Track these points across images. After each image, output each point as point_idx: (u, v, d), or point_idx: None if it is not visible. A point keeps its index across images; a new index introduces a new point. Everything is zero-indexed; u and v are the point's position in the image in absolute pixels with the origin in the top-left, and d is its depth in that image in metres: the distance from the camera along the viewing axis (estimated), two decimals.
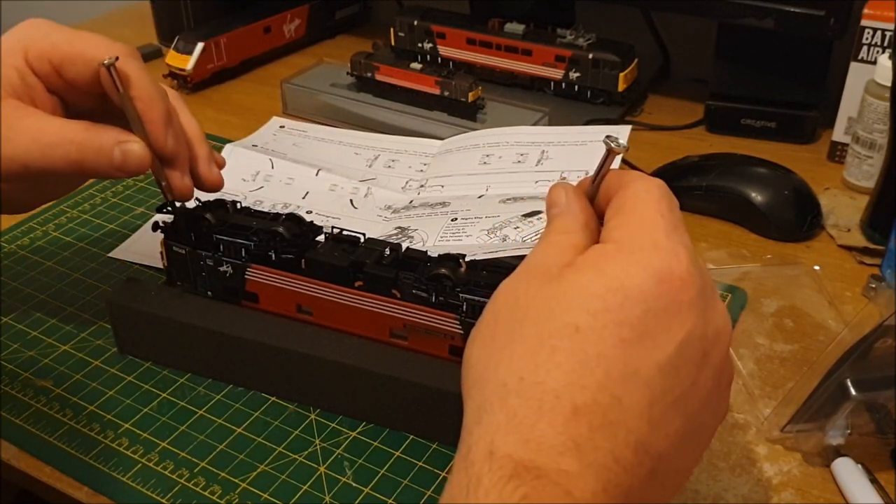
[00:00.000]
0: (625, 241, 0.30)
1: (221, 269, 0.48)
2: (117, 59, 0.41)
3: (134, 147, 0.42)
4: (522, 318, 0.30)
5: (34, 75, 0.43)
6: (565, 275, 0.30)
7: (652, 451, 0.28)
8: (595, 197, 0.35)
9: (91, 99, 0.44)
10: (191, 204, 0.49)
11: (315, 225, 0.48)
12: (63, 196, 0.53)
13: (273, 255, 0.46)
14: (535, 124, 0.71)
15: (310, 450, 0.44)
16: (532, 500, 0.26)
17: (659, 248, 0.30)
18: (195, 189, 0.47)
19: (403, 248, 0.46)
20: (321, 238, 0.48)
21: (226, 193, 0.50)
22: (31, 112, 0.42)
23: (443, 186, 0.63)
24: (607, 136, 0.34)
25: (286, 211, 0.50)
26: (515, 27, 0.78)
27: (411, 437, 0.45)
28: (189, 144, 0.46)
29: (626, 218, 0.31)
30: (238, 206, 0.50)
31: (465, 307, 0.43)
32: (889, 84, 0.58)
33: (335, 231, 0.48)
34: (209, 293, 0.49)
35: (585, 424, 0.27)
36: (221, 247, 0.48)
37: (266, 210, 0.50)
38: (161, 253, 0.50)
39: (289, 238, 0.46)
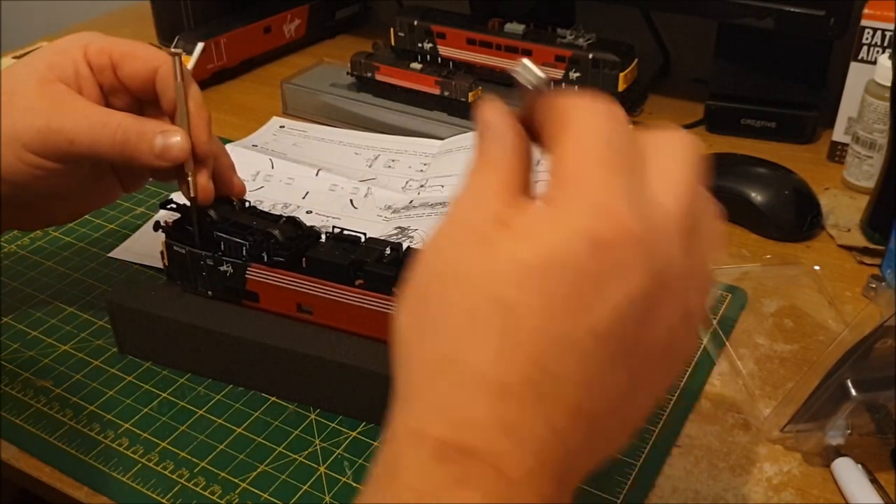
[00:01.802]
0: (559, 200, 0.27)
1: (221, 268, 0.48)
2: (182, 52, 0.45)
3: (177, 137, 0.45)
4: (447, 288, 0.28)
5: (89, 69, 0.45)
6: (494, 240, 0.27)
7: (589, 413, 0.27)
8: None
9: (132, 103, 0.47)
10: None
11: (314, 229, 0.48)
12: (75, 217, 0.54)
13: (265, 257, 0.46)
14: None
15: (310, 450, 0.44)
16: (459, 481, 0.25)
17: (595, 206, 0.26)
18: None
19: (404, 248, 0.46)
20: (322, 239, 0.48)
21: None
22: (81, 97, 0.45)
23: (443, 186, 0.63)
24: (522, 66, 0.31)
25: (286, 211, 0.50)
26: (515, 27, 0.78)
27: None
28: (219, 153, 0.48)
29: (561, 166, 0.28)
30: (247, 204, 0.50)
31: None
32: (889, 84, 0.58)
33: (336, 231, 0.48)
34: (209, 293, 0.49)
35: (515, 402, 0.26)
36: (222, 245, 0.48)
37: (266, 210, 0.50)
38: (161, 252, 0.50)
39: (282, 241, 0.46)
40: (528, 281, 0.26)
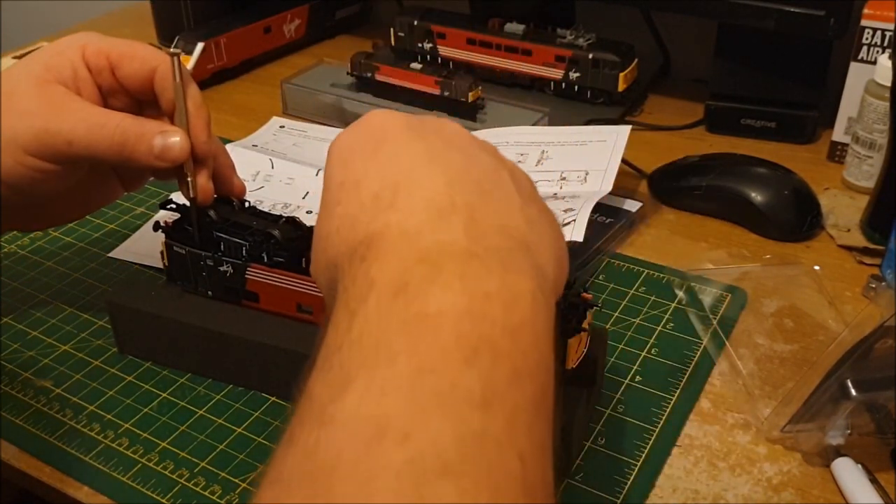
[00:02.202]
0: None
1: (221, 269, 0.48)
2: (181, 52, 0.45)
3: (176, 137, 0.45)
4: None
5: (87, 70, 0.45)
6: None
7: (450, 171, 0.31)
8: None
9: (131, 104, 0.47)
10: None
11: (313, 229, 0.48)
12: (76, 217, 0.54)
13: (265, 257, 0.46)
14: (535, 124, 0.71)
15: None
16: (371, 258, 0.28)
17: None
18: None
19: None
20: None
21: None
22: (79, 98, 0.45)
23: None
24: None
25: (287, 211, 0.50)
26: (515, 27, 0.78)
27: None
28: (218, 152, 0.48)
29: None
30: (247, 204, 0.50)
31: None
32: (889, 84, 0.58)
33: None
34: (209, 293, 0.49)
35: (388, 194, 0.30)
36: (222, 245, 0.48)
37: (267, 210, 0.50)
38: (161, 253, 0.50)
39: (282, 241, 0.46)
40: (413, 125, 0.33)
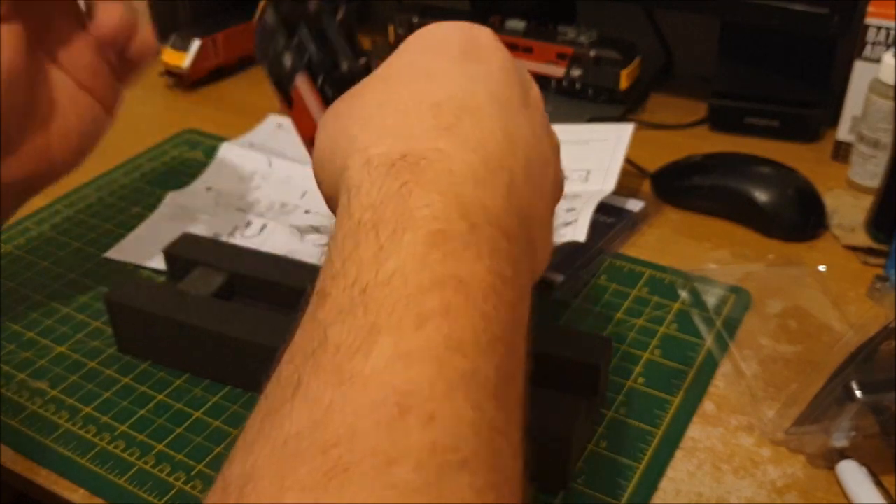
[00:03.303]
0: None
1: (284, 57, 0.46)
2: None
3: None
4: (366, 84, 0.33)
5: None
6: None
7: (514, 137, 0.31)
8: None
9: None
10: None
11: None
12: (73, 151, 0.49)
13: (318, 79, 0.44)
14: None
15: None
16: (413, 183, 0.27)
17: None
18: None
19: None
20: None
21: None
22: None
23: None
24: None
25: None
26: (516, 24, 0.78)
27: None
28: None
29: None
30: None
31: None
32: (893, 82, 0.58)
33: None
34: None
35: (450, 113, 0.30)
36: (296, 40, 0.45)
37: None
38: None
39: (338, 78, 0.44)
40: (422, 36, 0.35)
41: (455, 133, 0.29)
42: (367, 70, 0.44)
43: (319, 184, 0.34)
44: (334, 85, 0.43)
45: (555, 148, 0.36)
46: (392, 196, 0.27)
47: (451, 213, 0.26)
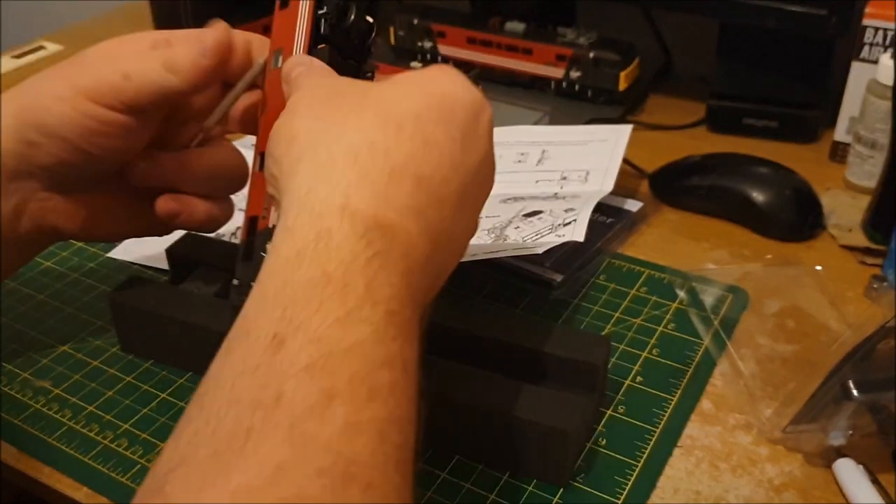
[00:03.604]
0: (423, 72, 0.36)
1: None
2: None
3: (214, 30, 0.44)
4: (360, 102, 0.33)
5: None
6: (383, 83, 0.35)
7: (457, 237, 0.34)
8: None
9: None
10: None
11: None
12: (118, 233, 0.50)
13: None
14: (535, 124, 0.71)
15: None
16: (382, 256, 0.29)
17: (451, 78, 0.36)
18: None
19: None
20: None
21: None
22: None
23: None
24: None
25: None
26: (516, 26, 0.78)
27: None
28: None
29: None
30: None
31: None
32: (891, 83, 0.58)
33: None
34: None
35: (424, 194, 0.31)
36: None
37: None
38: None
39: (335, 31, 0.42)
40: (434, 105, 0.33)
41: (423, 218, 0.31)
42: (369, 32, 0.43)
43: (274, 154, 0.34)
44: (334, 28, 0.42)
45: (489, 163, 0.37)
46: (362, 265, 0.28)
47: (403, 296, 0.29)
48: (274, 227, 0.39)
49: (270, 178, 0.34)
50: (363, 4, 0.43)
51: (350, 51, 0.42)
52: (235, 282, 0.40)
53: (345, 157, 0.31)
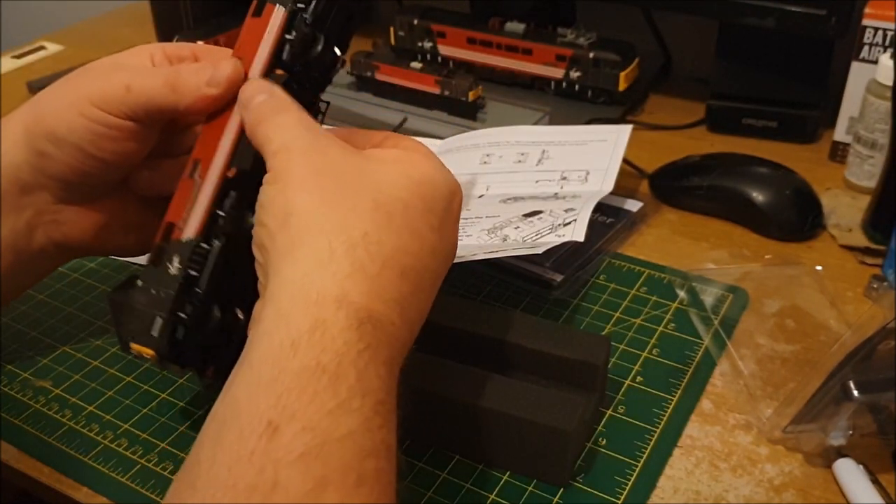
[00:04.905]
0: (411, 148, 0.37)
1: None
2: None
3: (228, 67, 0.40)
4: (356, 183, 0.34)
5: (166, 60, 0.44)
6: (373, 155, 0.36)
7: (429, 300, 0.36)
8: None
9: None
10: None
11: None
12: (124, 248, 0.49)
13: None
14: (535, 124, 0.71)
15: None
16: (372, 348, 0.31)
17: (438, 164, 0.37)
18: None
19: None
20: None
21: None
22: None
23: None
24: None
25: None
26: (516, 26, 0.78)
27: (408, 440, 0.45)
28: None
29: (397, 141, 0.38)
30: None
31: None
32: (890, 83, 0.58)
33: None
34: None
35: (408, 284, 0.33)
36: None
37: None
38: None
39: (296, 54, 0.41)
40: (419, 194, 0.35)
41: (405, 308, 0.33)
42: (333, 65, 0.42)
43: (267, 225, 0.34)
44: (295, 58, 0.40)
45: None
46: (353, 357, 0.30)
47: (390, 385, 0.32)
48: (189, 241, 0.39)
49: (260, 247, 0.34)
50: (334, 36, 0.41)
51: (308, 82, 0.41)
52: (139, 283, 0.40)
53: (344, 248, 0.32)
